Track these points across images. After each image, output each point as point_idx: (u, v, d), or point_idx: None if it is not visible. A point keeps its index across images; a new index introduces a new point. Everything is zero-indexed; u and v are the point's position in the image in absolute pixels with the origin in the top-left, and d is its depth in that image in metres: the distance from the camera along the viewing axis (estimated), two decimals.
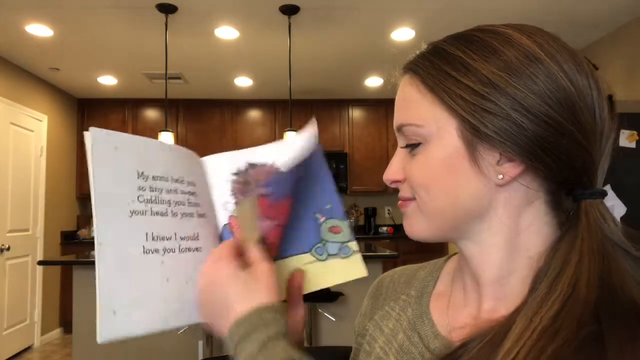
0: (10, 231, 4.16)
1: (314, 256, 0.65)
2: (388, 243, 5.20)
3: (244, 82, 4.87)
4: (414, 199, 0.51)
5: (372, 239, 5.25)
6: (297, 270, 0.62)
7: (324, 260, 0.66)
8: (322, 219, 0.67)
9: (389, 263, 4.42)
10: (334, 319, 2.98)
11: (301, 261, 0.65)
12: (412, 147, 0.50)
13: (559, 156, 0.45)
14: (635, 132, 2.07)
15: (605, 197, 0.47)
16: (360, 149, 5.51)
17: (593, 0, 3.15)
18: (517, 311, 0.45)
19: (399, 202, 0.54)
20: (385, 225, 5.61)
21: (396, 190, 0.54)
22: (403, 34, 3.64)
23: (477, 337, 0.45)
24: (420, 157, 0.50)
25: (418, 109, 0.49)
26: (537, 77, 0.45)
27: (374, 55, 4.13)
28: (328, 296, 2.67)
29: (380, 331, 0.61)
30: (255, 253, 0.55)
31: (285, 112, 5.44)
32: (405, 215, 0.53)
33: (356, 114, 5.60)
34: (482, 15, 3.32)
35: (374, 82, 4.92)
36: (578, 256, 0.43)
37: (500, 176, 0.46)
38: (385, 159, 5.52)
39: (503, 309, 0.48)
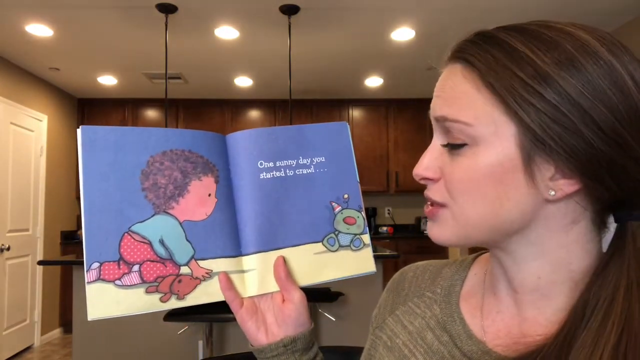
0: (10, 231, 4.16)
1: (325, 246, 0.65)
2: (388, 243, 5.20)
3: (244, 82, 4.87)
4: (443, 205, 0.48)
5: (372, 238, 5.22)
6: (276, 261, 0.62)
7: (334, 251, 0.65)
8: (338, 209, 0.66)
9: (389, 263, 4.43)
10: (334, 319, 2.98)
11: (311, 250, 0.64)
12: (455, 147, 0.46)
13: (620, 178, 0.42)
14: None
15: None
16: (360, 149, 5.51)
17: (593, 0, 3.15)
18: (560, 334, 0.43)
19: (427, 208, 0.50)
20: (385, 225, 5.61)
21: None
22: (403, 34, 3.64)
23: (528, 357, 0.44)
24: (465, 160, 0.45)
25: (471, 106, 0.45)
26: (610, 89, 0.41)
27: (374, 55, 4.13)
28: (328, 296, 2.66)
29: (402, 327, 0.60)
30: None
31: (285, 112, 5.45)
32: (433, 220, 0.50)
33: (356, 114, 5.59)
34: (482, 15, 3.32)
35: (374, 82, 4.91)
36: (626, 282, 0.41)
37: (552, 192, 0.43)
38: (385, 159, 5.53)
39: (544, 322, 0.47)
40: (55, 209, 4.94)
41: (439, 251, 4.92)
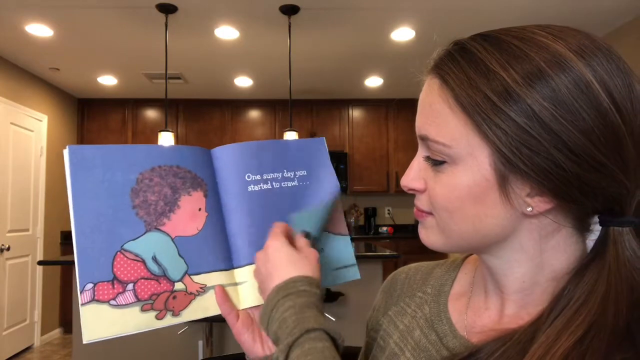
0: (10, 231, 4.16)
1: None
2: (388, 243, 5.20)
3: (244, 82, 4.87)
4: (431, 213, 0.50)
5: (372, 239, 5.25)
6: None
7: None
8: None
9: (389, 263, 4.43)
10: (334, 319, 2.98)
11: None
12: (437, 163, 0.47)
13: (595, 195, 0.43)
14: None
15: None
16: (360, 149, 5.51)
17: (593, 0, 3.15)
18: (534, 324, 0.44)
19: (415, 210, 0.52)
20: (385, 225, 5.61)
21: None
22: (403, 34, 3.64)
23: (494, 345, 0.45)
24: (445, 177, 0.47)
25: (447, 126, 0.45)
26: (585, 112, 0.40)
27: (374, 55, 4.13)
28: (328, 296, 2.66)
29: (394, 327, 0.61)
30: (303, 241, 0.60)
31: (285, 112, 5.44)
32: (422, 224, 0.52)
33: (356, 114, 5.59)
34: (482, 15, 3.32)
35: (374, 82, 4.91)
36: (605, 286, 0.42)
37: (530, 208, 0.44)
38: (385, 159, 5.53)
39: (526, 316, 0.48)
40: (55, 209, 4.94)
41: (440, 252, 4.92)
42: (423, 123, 0.48)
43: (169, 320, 0.59)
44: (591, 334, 0.40)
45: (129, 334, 0.57)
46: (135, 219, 0.58)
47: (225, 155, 0.64)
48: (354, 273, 0.69)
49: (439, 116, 0.46)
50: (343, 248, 0.69)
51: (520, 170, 0.42)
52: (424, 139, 0.48)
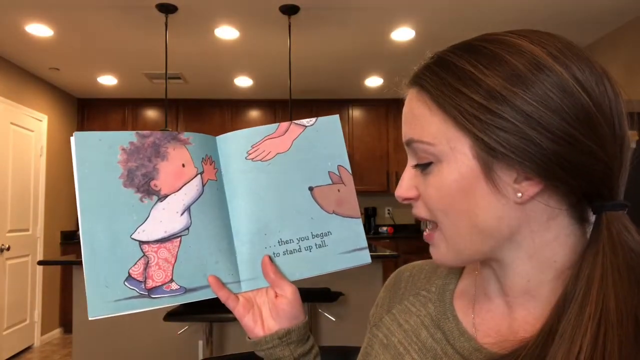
0: (10, 231, 4.16)
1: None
2: (388, 243, 5.20)
3: (244, 82, 4.87)
4: (435, 224, 0.50)
5: (372, 239, 5.25)
6: (263, 260, 0.65)
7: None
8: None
9: (389, 263, 4.43)
10: (334, 319, 2.98)
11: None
12: (424, 166, 0.49)
13: (578, 173, 0.44)
14: (635, 132, 2.07)
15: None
16: (360, 149, 5.51)
17: (593, 0, 3.14)
18: (544, 331, 0.44)
19: (424, 234, 0.53)
20: (385, 225, 5.61)
21: None
22: (403, 34, 3.64)
23: (507, 358, 0.45)
24: (433, 178, 0.48)
25: (429, 126, 0.48)
26: (552, 92, 0.43)
27: (374, 55, 4.13)
28: (328, 296, 2.66)
29: (398, 325, 0.61)
30: None
31: (285, 112, 5.45)
32: (431, 245, 0.53)
33: (356, 114, 5.60)
34: (481, 15, 3.32)
35: (374, 82, 4.91)
36: (601, 271, 0.42)
37: (520, 194, 0.45)
38: (385, 159, 5.53)
39: (532, 318, 0.49)
40: (55, 209, 4.94)
41: None
42: (407, 130, 0.51)
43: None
44: (602, 332, 0.40)
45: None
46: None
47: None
48: (365, 257, 0.68)
49: (420, 118, 0.49)
50: (353, 230, 0.68)
51: (502, 155, 0.44)
52: (410, 143, 0.50)
